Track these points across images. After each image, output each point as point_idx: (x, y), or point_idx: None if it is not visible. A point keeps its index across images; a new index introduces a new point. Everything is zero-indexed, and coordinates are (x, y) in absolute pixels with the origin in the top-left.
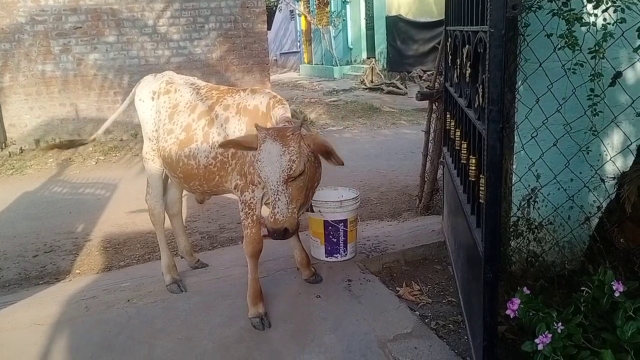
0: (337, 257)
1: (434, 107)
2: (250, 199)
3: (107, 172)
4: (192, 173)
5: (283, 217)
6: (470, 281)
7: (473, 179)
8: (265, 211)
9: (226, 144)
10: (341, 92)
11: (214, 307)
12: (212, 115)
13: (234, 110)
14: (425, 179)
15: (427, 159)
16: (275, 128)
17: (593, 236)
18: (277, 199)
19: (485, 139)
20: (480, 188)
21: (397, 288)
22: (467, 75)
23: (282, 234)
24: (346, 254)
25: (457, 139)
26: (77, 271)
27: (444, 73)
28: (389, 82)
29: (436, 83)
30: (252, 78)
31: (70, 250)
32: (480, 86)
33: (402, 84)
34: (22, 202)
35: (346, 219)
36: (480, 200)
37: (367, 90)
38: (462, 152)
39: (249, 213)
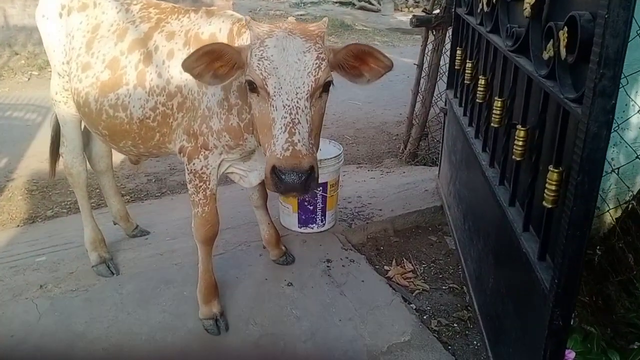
0: (312, 228)
1: (432, 35)
2: (201, 169)
3: (42, 91)
4: (121, 129)
5: (306, 149)
6: (504, 298)
7: (518, 159)
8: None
9: (195, 59)
10: (309, 5)
11: (154, 300)
12: (149, 47)
13: (181, 41)
14: (414, 122)
15: (418, 98)
16: (287, 23)
17: None
18: (296, 122)
19: (585, 123)
20: (549, 189)
21: (386, 267)
22: (528, 5)
23: (303, 179)
24: (324, 224)
25: (480, 89)
26: None
27: None
28: None
29: (434, 5)
30: None
31: None
32: (565, 29)
33: None
34: None
35: (326, 183)
36: (545, 205)
37: (337, 4)
38: (494, 112)
39: (200, 186)
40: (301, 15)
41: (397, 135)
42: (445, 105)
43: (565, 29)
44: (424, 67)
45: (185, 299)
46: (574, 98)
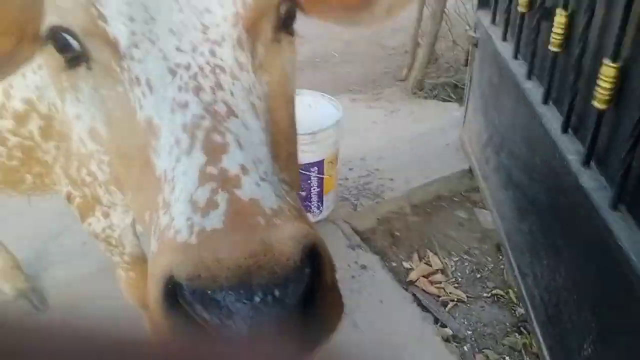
0: None
1: None
2: (103, 231)
3: None
4: None
5: (271, 196)
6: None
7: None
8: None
9: None
10: None
11: None
12: None
13: None
14: (419, 41)
15: (423, 11)
16: None
17: None
18: (219, 114)
19: None
20: None
21: (405, 264)
22: None
23: (283, 303)
24: (321, 211)
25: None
26: None
27: None
28: None
29: None
30: None
31: None
32: None
33: None
34: None
35: (322, 160)
36: None
37: None
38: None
39: (113, 250)
40: None
41: (394, 48)
42: (476, 32)
43: None
44: None
45: None
46: None
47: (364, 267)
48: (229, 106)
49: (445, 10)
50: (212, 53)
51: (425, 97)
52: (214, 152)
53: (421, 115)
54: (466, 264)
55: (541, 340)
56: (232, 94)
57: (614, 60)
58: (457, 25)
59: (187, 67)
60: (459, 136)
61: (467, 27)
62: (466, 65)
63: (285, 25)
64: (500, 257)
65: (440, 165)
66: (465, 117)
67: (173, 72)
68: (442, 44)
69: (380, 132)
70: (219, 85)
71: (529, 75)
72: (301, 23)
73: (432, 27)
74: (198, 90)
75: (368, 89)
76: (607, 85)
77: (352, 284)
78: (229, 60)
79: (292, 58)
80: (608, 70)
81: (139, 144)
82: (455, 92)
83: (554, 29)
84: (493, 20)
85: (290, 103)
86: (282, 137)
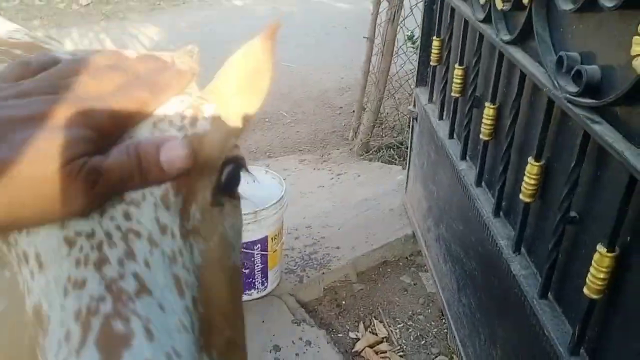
0: (251, 294)
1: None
2: None
3: None
4: None
5: None
6: None
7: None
8: None
9: None
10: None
11: None
12: None
13: None
14: (365, 107)
15: (368, 79)
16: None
17: None
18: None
19: None
20: None
21: (351, 334)
22: None
23: None
24: (265, 287)
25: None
26: None
27: None
28: None
29: None
30: None
31: None
32: None
33: None
34: None
35: (265, 237)
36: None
37: None
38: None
39: None
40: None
41: (342, 108)
42: (415, 107)
43: None
44: (375, 41)
45: None
46: None
47: (308, 342)
48: (140, 281)
49: (390, 72)
50: (127, 216)
51: (371, 159)
52: (112, 347)
53: (366, 178)
54: (410, 330)
55: None
56: (147, 264)
57: (537, 159)
58: (402, 87)
59: (90, 235)
60: (403, 202)
61: (410, 92)
62: (409, 126)
63: (227, 188)
64: (444, 321)
65: (385, 231)
66: (407, 184)
67: (70, 243)
68: (388, 102)
69: (326, 196)
70: (130, 255)
71: (464, 156)
72: None
73: (375, 93)
74: (101, 263)
75: (317, 149)
76: (532, 182)
77: None
78: (147, 222)
79: (237, 225)
80: (532, 168)
81: (29, 344)
82: (399, 153)
83: (484, 119)
84: (430, 99)
85: (232, 276)
86: (219, 319)
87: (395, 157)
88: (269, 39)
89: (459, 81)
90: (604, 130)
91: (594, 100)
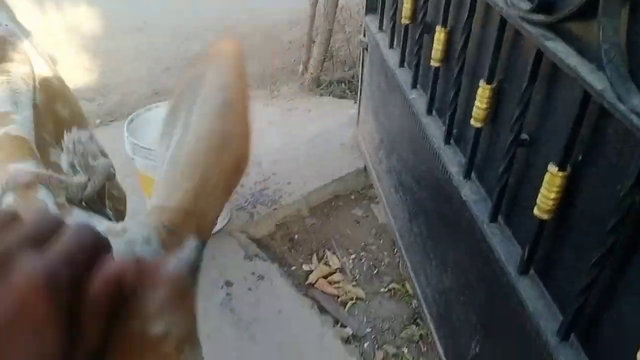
0: None
1: None
2: None
3: None
4: None
5: None
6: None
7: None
8: None
9: None
10: None
11: None
12: None
13: None
14: (314, 40)
15: (317, 10)
16: None
17: None
18: None
19: None
20: None
21: (305, 266)
22: None
23: None
24: (215, 223)
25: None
26: None
27: None
28: None
29: None
30: None
31: None
32: None
33: None
34: None
35: None
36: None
37: None
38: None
39: None
40: None
41: (291, 42)
42: (365, 36)
43: None
44: None
45: None
46: None
47: (261, 277)
48: None
49: (339, 5)
50: None
51: (322, 94)
52: None
53: (317, 113)
54: (363, 260)
55: (435, 335)
56: None
57: (489, 82)
58: (352, 18)
59: None
60: (354, 135)
61: (361, 24)
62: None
63: None
64: (396, 250)
65: (337, 165)
66: (358, 117)
67: None
68: (338, 36)
69: (276, 132)
70: None
71: (414, 85)
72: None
73: (324, 25)
74: None
75: (266, 84)
76: (483, 106)
77: (248, 297)
78: None
79: None
80: (484, 92)
81: None
82: (350, 87)
83: (434, 45)
84: (380, 27)
85: None
86: None
87: (347, 91)
88: (236, 66)
89: (409, 6)
90: (557, 47)
91: (547, 17)
